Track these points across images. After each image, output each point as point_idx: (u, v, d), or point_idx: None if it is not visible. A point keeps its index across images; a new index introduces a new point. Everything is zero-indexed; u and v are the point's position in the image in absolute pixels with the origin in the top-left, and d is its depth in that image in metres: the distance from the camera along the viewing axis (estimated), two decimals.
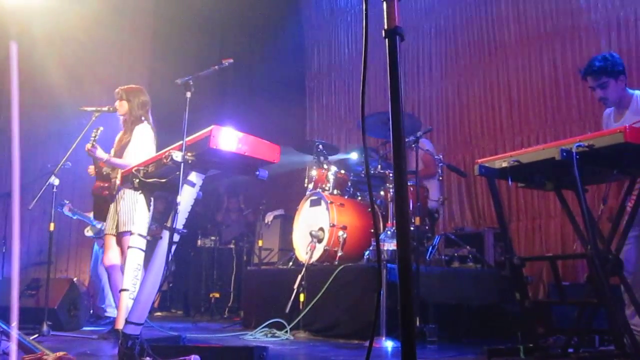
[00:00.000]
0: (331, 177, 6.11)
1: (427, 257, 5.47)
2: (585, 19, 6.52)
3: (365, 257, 5.41)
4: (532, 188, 4.39)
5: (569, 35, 6.66)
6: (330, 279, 5.06)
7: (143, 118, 5.14)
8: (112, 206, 5.03)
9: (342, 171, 6.24)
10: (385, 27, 1.56)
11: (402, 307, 1.45)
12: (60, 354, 1.83)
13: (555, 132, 6.59)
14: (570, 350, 3.61)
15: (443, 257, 5.74)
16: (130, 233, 4.78)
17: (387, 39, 1.54)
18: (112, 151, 5.17)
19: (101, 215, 5.15)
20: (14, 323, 2.31)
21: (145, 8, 9.70)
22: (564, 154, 3.27)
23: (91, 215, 6.60)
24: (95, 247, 6.88)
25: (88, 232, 6.98)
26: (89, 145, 4.93)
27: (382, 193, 5.75)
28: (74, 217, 6.74)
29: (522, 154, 3.65)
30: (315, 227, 5.67)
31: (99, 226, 6.57)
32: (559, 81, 6.71)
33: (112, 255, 5.03)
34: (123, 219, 4.88)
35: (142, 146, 5.00)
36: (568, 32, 6.68)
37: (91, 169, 5.31)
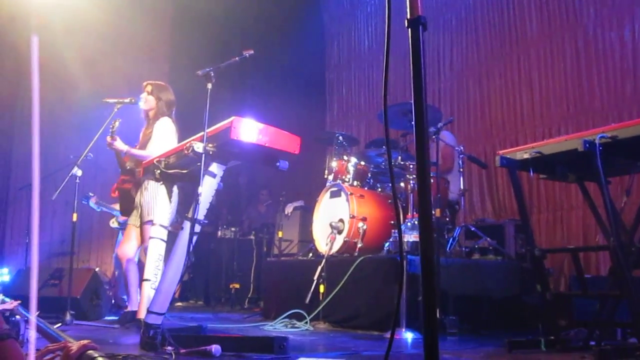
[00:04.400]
0: (351, 169, 6.10)
1: (448, 249, 5.44)
2: (608, 8, 6.43)
3: (385, 248, 5.41)
4: (553, 179, 4.36)
5: (592, 25, 6.58)
6: (350, 270, 5.06)
7: (165, 113, 5.17)
8: (136, 198, 5.07)
9: (362, 162, 6.22)
10: (408, 16, 1.54)
11: (424, 298, 1.45)
12: (84, 342, 1.85)
13: (577, 123, 6.52)
14: (592, 343, 3.58)
15: (463, 248, 5.71)
16: (152, 223, 4.84)
17: (409, 29, 1.53)
18: (138, 145, 5.21)
19: (128, 211, 5.19)
20: (35, 312, 2.34)
21: (164, 0, 9.74)
22: (587, 145, 3.24)
23: (117, 207, 6.65)
24: (120, 236, 6.92)
25: (113, 224, 7.02)
26: (109, 138, 4.97)
27: (402, 185, 5.74)
28: (99, 210, 6.79)
29: (543, 145, 3.63)
30: (335, 219, 5.67)
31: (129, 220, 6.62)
32: (581, 71, 6.64)
33: (128, 248, 5.06)
34: (146, 208, 4.92)
35: (163, 138, 5.03)
36: (591, 21, 6.59)
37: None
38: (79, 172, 5.20)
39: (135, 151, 5.04)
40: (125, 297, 6.46)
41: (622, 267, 3.21)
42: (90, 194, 6.54)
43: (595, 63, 6.48)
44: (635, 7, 6.20)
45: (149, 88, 5.21)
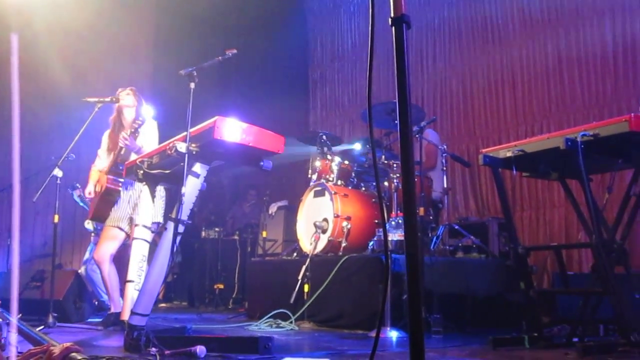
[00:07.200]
0: (335, 168, 6.10)
1: (432, 248, 5.46)
2: (589, 7, 6.48)
3: (369, 247, 5.41)
4: (536, 177, 4.39)
5: (573, 24, 6.63)
6: (335, 270, 5.06)
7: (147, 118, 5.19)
8: (124, 199, 5.00)
9: (346, 162, 6.22)
10: (392, 14, 1.55)
11: (409, 297, 1.45)
12: (67, 344, 1.84)
13: (559, 122, 6.57)
14: (575, 339, 3.62)
15: (447, 247, 5.73)
16: (136, 224, 4.82)
17: (393, 27, 1.53)
18: (106, 147, 5.19)
19: (101, 216, 5.10)
20: (16, 315, 2.32)
21: (147, 0, 9.68)
22: (569, 143, 3.27)
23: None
24: (93, 240, 6.83)
25: (88, 225, 6.93)
26: (126, 135, 4.91)
27: (386, 184, 5.75)
28: (81, 204, 6.72)
29: (526, 144, 3.66)
30: (320, 218, 5.67)
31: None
32: (562, 70, 6.69)
33: (106, 250, 5.01)
34: (135, 210, 4.90)
35: (155, 139, 5.02)
36: (572, 20, 6.64)
37: (91, 190, 5.25)
38: (60, 173, 5.14)
39: (144, 150, 4.99)
40: (103, 300, 6.41)
41: (604, 264, 3.24)
42: (77, 184, 6.45)
43: (577, 62, 6.53)
44: (615, 7, 6.25)
45: (130, 92, 5.20)
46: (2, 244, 8.40)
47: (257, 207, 9.18)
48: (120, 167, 4.99)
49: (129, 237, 4.99)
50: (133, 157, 4.80)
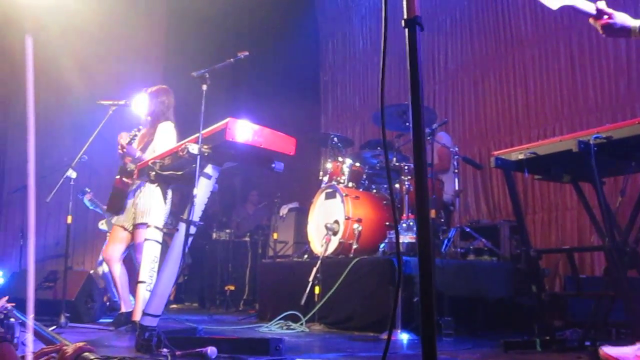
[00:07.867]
0: (346, 170, 6.10)
1: (443, 250, 5.45)
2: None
3: (380, 249, 5.41)
4: (548, 180, 4.37)
5: (586, 26, 6.57)
6: (346, 272, 5.06)
7: (165, 116, 5.16)
8: (130, 200, 5.05)
9: (357, 164, 6.23)
10: (405, 16, 1.55)
11: (422, 299, 1.44)
12: (80, 344, 1.85)
13: (571, 124, 6.54)
14: (587, 343, 3.59)
15: (459, 250, 5.72)
16: (147, 225, 4.83)
17: (406, 29, 1.53)
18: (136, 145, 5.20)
19: (114, 209, 5.15)
20: (31, 315, 2.34)
21: (159, 2, 9.72)
22: (582, 145, 3.25)
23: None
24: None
25: (102, 226, 6.98)
26: (124, 142, 4.93)
27: (397, 186, 5.74)
28: (91, 208, 6.76)
29: (538, 146, 3.64)
30: (331, 220, 5.67)
31: (113, 220, 6.61)
32: (575, 72, 6.65)
33: (114, 250, 5.05)
34: (141, 211, 4.91)
35: (167, 143, 4.99)
36: (585, 23, 6.58)
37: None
38: (74, 174, 5.17)
39: (146, 156, 5.00)
40: (116, 299, 6.44)
41: (616, 267, 3.22)
42: (87, 189, 6.51)
43: (589, 64, 6.50)
44: (628, 8, 6.21)
45: (142, 93, 5.22)
46: (15, 245, 8.46)
47: (267, 209, 9.19)
48: (128, 169, 5.05)
49: (132, 237, 5.03)
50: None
